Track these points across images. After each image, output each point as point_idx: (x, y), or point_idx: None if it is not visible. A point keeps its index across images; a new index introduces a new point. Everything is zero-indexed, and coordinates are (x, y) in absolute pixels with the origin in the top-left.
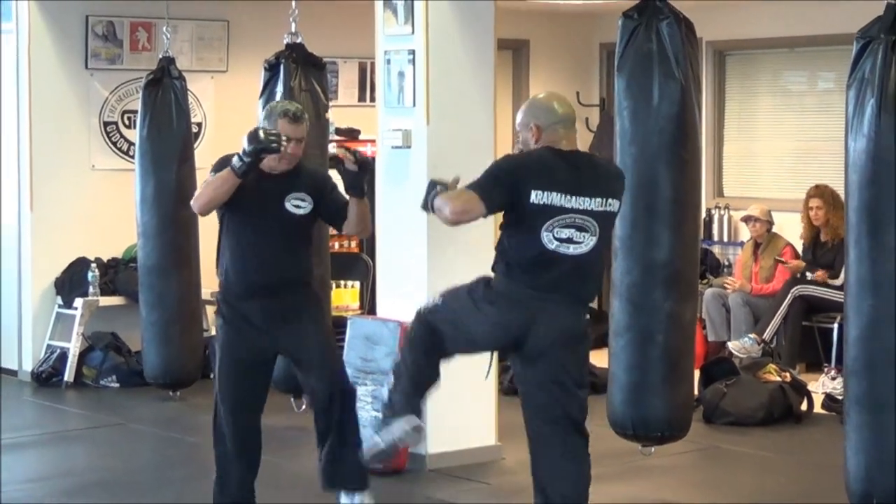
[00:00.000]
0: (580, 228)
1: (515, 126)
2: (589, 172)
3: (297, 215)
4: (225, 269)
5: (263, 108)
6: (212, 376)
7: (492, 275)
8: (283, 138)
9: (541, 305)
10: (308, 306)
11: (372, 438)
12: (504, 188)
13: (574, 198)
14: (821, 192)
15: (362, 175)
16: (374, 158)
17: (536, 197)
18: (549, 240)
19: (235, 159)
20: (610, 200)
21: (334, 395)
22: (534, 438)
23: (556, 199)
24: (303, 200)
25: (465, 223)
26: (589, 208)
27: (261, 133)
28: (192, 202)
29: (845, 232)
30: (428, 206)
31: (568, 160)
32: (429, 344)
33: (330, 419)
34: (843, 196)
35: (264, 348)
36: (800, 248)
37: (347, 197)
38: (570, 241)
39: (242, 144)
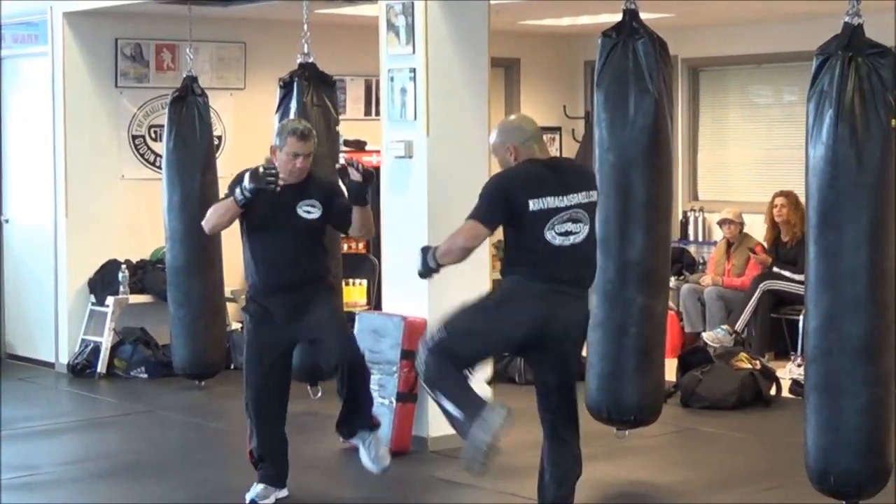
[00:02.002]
0: (575, 220)
1: (491, 147)
2: (569, 173)
3: (308, 220)
4: (250, 272)
5: (279, 123)
6: (241, 366)
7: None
8: (292, 156)
9: (557, 299)
10: (320, 293)
11: (473, 445)
12: (501, 208)
13: (565, 197)
14: (785, 194)
15: (365, 186)
16: (379, 168)
17: (534, 205)
18: (552, 236)
19: (238, 192)
20: (591, 192)
21: (344, 360)
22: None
23: (551, 202)
24: (313, 206)
25: (476, 248)
26: (579, 202)
27: (260, 171)
28: (202, 223)
29: (806, 231)
30: (429, 266)
31: (549, 167)
32: (449, 365)
33: (342, 382)
34: (803, 200)
35: (285, 340)
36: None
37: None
38: (568, 233)
39: (245, 180)
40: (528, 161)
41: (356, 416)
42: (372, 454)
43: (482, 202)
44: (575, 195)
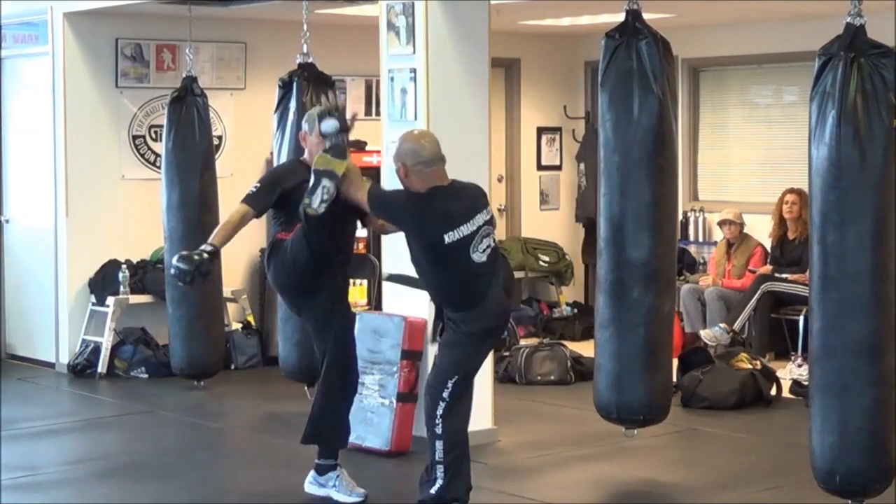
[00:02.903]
0: (487, 236)
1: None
2: (468, 197)
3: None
4: (299, 249)
5: (279, 122)
6: (241, 366)
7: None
8: None
9: (495, 291)
10: (344, 299)
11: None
12: (412, 221)
13: (472, 219)
14: (797, 191)
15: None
16: (379, 167)
17: (450, 237)
18: (477, 257)
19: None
20: (488, 209)
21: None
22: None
23: (464, 229)
24: None
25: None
26: (485, 221)
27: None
28: None
29: (809, 232)
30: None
31: (451, 195)
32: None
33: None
34: None
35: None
36: (768, 246)
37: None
38: (487, 247)
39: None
40: (432, 190)
41: (326, 422)
42: (347, 490)
43: (396, 199)
44: (480, 216)
